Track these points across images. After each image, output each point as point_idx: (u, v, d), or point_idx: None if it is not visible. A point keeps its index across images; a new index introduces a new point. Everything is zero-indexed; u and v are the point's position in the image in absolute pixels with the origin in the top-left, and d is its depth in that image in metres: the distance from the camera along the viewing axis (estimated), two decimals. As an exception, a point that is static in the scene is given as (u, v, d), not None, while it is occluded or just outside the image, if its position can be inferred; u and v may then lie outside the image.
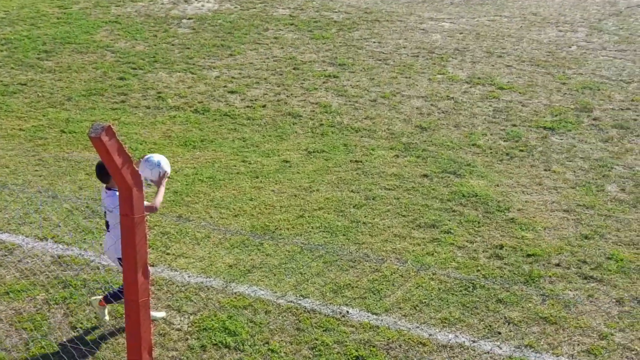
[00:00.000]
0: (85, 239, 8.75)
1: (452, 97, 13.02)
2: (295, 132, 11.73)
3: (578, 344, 7.07)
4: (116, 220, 6.88)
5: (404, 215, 9.36)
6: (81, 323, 7.36)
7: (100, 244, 8.38)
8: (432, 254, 8.53)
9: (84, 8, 17.45)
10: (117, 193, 6.71)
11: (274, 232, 9.00)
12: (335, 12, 17.67)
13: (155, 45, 15.21)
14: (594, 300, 7.67)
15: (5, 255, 8.40)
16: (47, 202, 9.48)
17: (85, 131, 11.44)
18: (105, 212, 7.10)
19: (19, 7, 17.40)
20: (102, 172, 6.91)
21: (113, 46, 15.12)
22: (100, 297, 7.37)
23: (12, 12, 17.06)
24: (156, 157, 7.16)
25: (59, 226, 8.93)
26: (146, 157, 7.21)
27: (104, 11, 17.26)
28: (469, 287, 7.92)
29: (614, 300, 7.67)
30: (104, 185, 7.09)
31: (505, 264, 8.30)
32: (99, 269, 8.20)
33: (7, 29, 15.90)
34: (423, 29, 16.56)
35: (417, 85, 13.55)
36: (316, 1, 18.51)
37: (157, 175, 7.08)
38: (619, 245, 8.72)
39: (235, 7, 17.82)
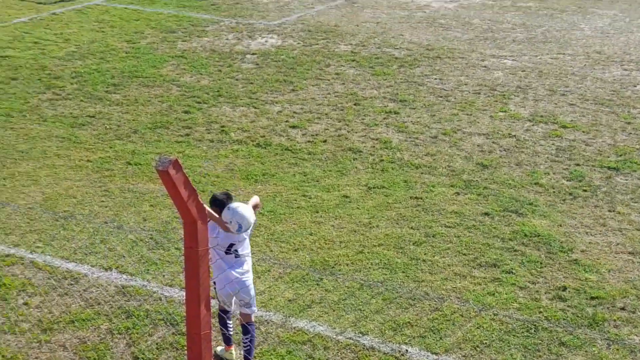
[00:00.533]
0: (148, 270, 8.91)
1: (514, 135, 12.94)
2: (356, 167, 11.79)
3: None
4: (245, 251, 7.13)
5: (464, 254, 9.31)
6: (143, 354, 7.48)
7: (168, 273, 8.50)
8: (493, 294, 8.45)
9: (152, 43, 17.91)
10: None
11: (333, 267, 9.04)
12: (397, 48, 17.78)
13: (219, 79, 15.51)
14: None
15: (72, 284, 8.60)
16: (113, 232, 9.70)
17: (151, 163, 11.69)
18: (230, 245, 7.08)
19: (89, 41, 17.95)
20: (224, 205, 6.91)
21: (179, 80, 15.46)
22: (222, 347, 7.47)
23: (82, 46, 17.61)
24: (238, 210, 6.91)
25: (124, 257, 9.12)
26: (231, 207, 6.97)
27: (170, 46, 17.69)
28: (530, 329, 7.81)
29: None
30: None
31: (568, 306, 8.17)
32: (161, 300, 8.33)
33: (77, 63, 16.40)
34: (485, 66, 16.53)
35: (478, 122, 13.52)
36: (378, 38, 18.65)
37: (236, 228, 6.88)
38: (687, 290, 8.52)
39: (298, 43, 18.07)
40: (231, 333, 7.39)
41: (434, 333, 7.76)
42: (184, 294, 8.00)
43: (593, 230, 9.84)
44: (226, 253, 7.07)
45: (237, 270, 7.13)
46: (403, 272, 8.94)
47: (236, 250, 7.09)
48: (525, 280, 8.68)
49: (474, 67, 16.51)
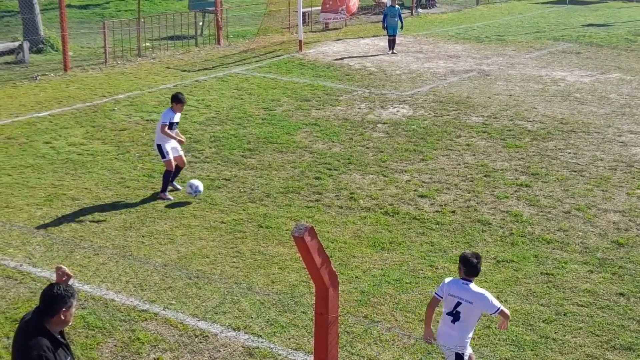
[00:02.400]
0: (275, 332, 9.07)
1: (654, 213, 12.48)
2: (485, 239, 11.66)
3: None
4: (471, 313, 7.42)
5: (597, 335, 8.97)
6: (267, 415, 7.57)
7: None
8: (629, 379, 8.09)
9: (287, 110, 18.51)
10: (473, 288, 7.43)
11: (459, 340, 8.90)
12: (530, 121, 17.59)
13: (350, 147, 15.80)
14: None
15: (201, 342, 8.86)
16: (242, 293, 9.95)
17: (281, 227, 11.98)
18: (457, 303, 7.42)
19: (228, 107, 18.75)
20: (473, 264, 7.46)
21: (311, 147, 15.86)
22: None
23: (222, 112, 18.41)
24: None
25: (252, 318, 9.33)
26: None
27: (304, 114, 18.21)
28: (668, 418, 7.41)
29: None
30: (463, 278, 7.53)
31: None
32: (286, 362, 8.45)
33: (216, 128, 17.14)
34: (622, 142, 16.09)
35: (614, 199, 13.12)
36: (510, 110, 18.54)
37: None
38: None
39: (429, 114, 18.21)
40: None
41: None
42: (310, 358, 8.10)
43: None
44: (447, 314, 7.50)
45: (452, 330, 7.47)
46: (532, 350, 8.70)
47: (458, 313, 7.41)
48: (662, 366, 8.28)
49: (610, 142, 16.10)
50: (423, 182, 13.97)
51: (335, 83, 21.35)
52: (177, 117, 13.34)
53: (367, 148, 15.82)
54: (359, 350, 8.70)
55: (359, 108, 18.75)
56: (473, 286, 7.46)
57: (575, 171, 14.40)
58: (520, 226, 12.11)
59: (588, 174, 14.27)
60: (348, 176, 14.26)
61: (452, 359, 7.49)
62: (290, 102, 19.29)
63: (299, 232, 6.02)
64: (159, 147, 13.29)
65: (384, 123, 17.49)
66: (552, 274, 10.54)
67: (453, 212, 12.67)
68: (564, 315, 9.44)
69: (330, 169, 14.59)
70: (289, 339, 8.93)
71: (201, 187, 12.92)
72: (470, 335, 7.54)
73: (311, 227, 6.06)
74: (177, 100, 13.25)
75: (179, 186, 13.55)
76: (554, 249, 11.35)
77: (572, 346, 8.76)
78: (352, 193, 13.45)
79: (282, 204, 12.92)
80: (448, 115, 18.13)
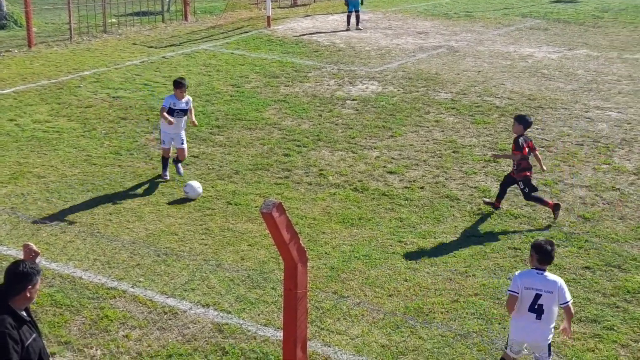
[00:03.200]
0: (245, 309, 9.06)
1: (618, 188, 12.62)
2: (453, 215, 11.72)
3: None
4: (552, 302, 7.06)
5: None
6: (237, 390, 7.57)
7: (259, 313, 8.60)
8: (593, 351, 8.21)
9: (255, 87, 18.39)
10: (549, 276, 7.08)
11: (427, 315, 8.97)
12: (498, 97, 17.67)
13: (319, 124, 15.76)
14: None
15: (171, 319, 8.83)
16: (212, 270, 9.92)
17: (250, 204, 11.94)
18: (536, 295, 7.04)
19: (196, 84, 18.58)
20: (551, 255, 7.10)
21: (280, 124, 15.80)
22: None
23: (189, 89, 18.23)
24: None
25: (222, 295, 9.31)
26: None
27: (273, 90, 18.12)
28: (632, 389, 7.53)
29: None
30: (536, 267, 7.14)
31: (673, 367, 7.86)
32: (256, 339, 8.45)
33: (183, 105, 16.99)
34: (588, 118, 16.23)
35: (580, 174, 13.25)
36: (478, 86, 18.60)
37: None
38: None
39: (398, 90, 18.21)
40: None
41: (530, 387, 7.58)
42: (279, 334, 8.10)
43: None
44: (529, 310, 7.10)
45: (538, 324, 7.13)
46: (499, 323, 8.79)
47: (541, 306, 7.04)
48: (627, 338, 8.40)
49: (577, 118, 16.23)
50: (392, 158, 13.99)
51: (304, 59, 21.25)
52: (181, 104, 12.65)
53: (336, 125, 15.79)
54: (328, 325, 8.73)
55: (328, 85, 18.69)
56: (549, 274, 7.12)
57: (542, 147, 14.50)
58: (488, 201, 12.18)
59: (555, 150, 14.38)
60: (317, 153, 14.23)
61: (544, 353, 7.20)
62: (259, 78, 19.17)
63: (267, 208, 6.00)
64: (160, 132, 12.98)
65: (353, 99, 17.46)
66: (520, 249, 10.63)
67: (422, 188, 12.71)
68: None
69: (299, 146, 14.54)
70: (259, 314, 8.93)
71: (200, 190, 12.19)
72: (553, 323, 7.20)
73: (279, 203, 6.04)
74: (175, 84, 12.68)
75: (168, 176, 12.91)
76: (521, 223, 11.44)
77: (539, 319, 8.85)
78: (321, 170, 13.43)
79: (250, 181, 12.87)
80: (417, 91, 18.14)
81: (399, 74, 19.76)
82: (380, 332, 8.59)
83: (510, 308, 7.17)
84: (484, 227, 11.29)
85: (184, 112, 12.74)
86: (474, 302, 9.22)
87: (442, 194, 12.47)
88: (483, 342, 8.37)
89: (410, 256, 10.42)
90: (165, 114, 12.51)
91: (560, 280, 7.11)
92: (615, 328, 8.61)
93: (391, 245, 10.74)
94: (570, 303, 7.11)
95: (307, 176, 13.14)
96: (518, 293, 7.06)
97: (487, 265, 10.17)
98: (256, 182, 12.86)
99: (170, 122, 12.51)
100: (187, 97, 12.81)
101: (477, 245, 10.74)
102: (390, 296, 9.40)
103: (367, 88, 18.40)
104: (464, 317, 8.94)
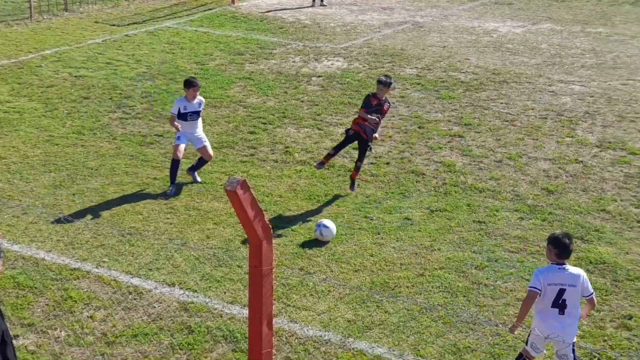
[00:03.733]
0: (210, 287, 9.03)
1: (581, 161, 12.74)
2: (419, 190, 11.76)
3: None
4: (576, 296, 6.84)
5: (527, 280, 9.16)
6: (203, 369, 7.56)
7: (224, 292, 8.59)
8: (556, 321, 8.30)
9: (220, 65, 18.24)
10: (570, 269, 6.88)
11: (393, 289, 9.02)
12: (463, 72, 17.71)
13: (285, 101, 15.68)
14: None
15: (136, 299, 8.77)
16: (177, 249, 9.87)
17: (215, 182, 11.87)
18: (560, 291, 6.86)
19: (159, 62, 18.37)
20: (568, 249, 6.90)
21: (245, 101, 15.69)
22: None
23: (153, 67, 18.03)
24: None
25: (187, 273, 9.27)
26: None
27: (238, 68, 17.98)
28: (594, 357, 7.64)
29: None
30: (556, 262, 6.97)
31: (634, 335, 7.98)
32: (222, 317, 8.43)
33: (147, 83, 16.80)
34: (552, 91, 16.34)
35: (544, 147, 13.35)
36: (443, 62, 18.62)
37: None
38: None
39: (364, 67, 18.17)
40: None
41: (494, 359, 7.66)
42: (245, 312, 8.09)
43: None
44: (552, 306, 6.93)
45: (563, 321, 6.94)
46: (464, 296, 8.86)
47: (564, 301, 6.87)
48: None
49: (541, 92, 16.33)
50: (358, 134, 13.97)
51: (269, 36, 21.10)
52: (193, 106, 11.62)
53: (302, 102, 15.73)
54: (295, 301, 8.73)
55: (293, 61, 18.60)
56: (570, 268, 6.94)
57: (507, 121, 14.59)
58: (453, 176, 12.25)
59: (519, 123, 14.48)
60: (283, 130, 14.17)
61: (569, 350, 6.92)
62: (224, 56, 19.01)
63: (232, 185, 5.96)
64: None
65: (319, 76, 17.39)
66: (484, 222, 10.71)
67: (387, 163, 12.73)
68: (495, 261, 9.62)
69: (264, 123, 14.47)
70: (224, 292, 8.90)
71: (333, 230, 10.21)
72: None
73: (244, 181, 6.00)
74: (187, 84, 11.63)
75: (199, 178, 11.95)
76: (486, 197, 11.52)
77: (503, 291, 8.95)
78: (287, 147, 13.39)
79: (216, 159, 12.79)
80: (382, 67, 18.12)
81: (364, 50, 19.71)
82: (346, 307, 8.62)
83: (525, 306, 6.99)
84: (449, 202, 11.34)
85: (198, 114, 11.76)
86: (439, 276, 9.29)
87: (408, 169, 12.50)
88: (448, 314, 8.43)
89: (376, 231, 10.44)
90: (175, 123, 11.51)
91: (583, 273, 6.98)
92: (578, 298, 8.71)
93: (357, 221, 10.75)
94: (594, 295, 7.00)
95: (273, 154, 13.09)
96: (540, 290, 6.88)
97: (452, 239, 10.23)
98: (221, 160, 12.79)
99: (178, 129, 11.53)
100: (200, 98, 11.82)
101: (442, 220, 10.80)
102: (357, 271, 9.43)
103: (332, 64, 18.34)
104: (430, 290, 9.00)
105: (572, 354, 6.86)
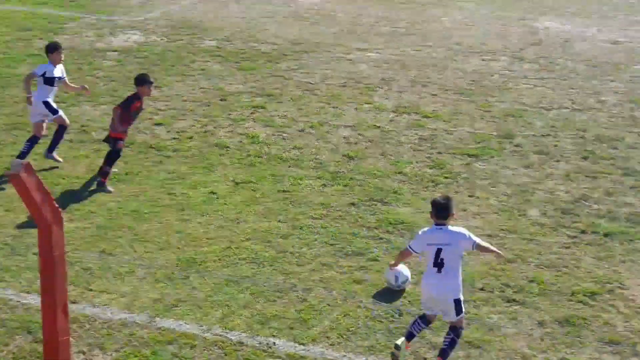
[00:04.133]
0: (4, 277, 8.50)
1: (379, 126, 13.17)
2: (223, 163, 11.67)
3: (503, 368, 7.17)
4: (453, 255, 6.97)
5: (331, 244, 9.38)
6: (-1, 365, 7.13)
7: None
8: (360, 282, 8.56)
9: (6, 42, 17.13)
10: (450, 228, 7.06)
11: (200, 264, 8.91)
12: (263, 43, 17.74)
13: (79, 78, 14.98)
14: (517, 323, 7.79)
15: None
16: (-35, 240, 9.21)
17: (6, 165, 11.17)
18: (438, 250, 6.97)
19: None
20: (444, 210, 7.06)
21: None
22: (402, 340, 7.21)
23: None
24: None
25: (-23, 265, 8.67)
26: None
27: (26, 45, 16.98)
28: (395, 314, 7.95)
29: (536, 323, 7.81)
30: (436, 223, 7.10)
31: (431, 290, 8.36)
32: (17, 307, 7.97)
33: None
34: (350, 60, 16.74)
35: (344, 114, 13.67)
36: (243, 33, 18.56)
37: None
38: (541, 268, 8.91)
39: (162, 39, 17.74)
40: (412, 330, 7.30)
41: (301, 324, 7.78)
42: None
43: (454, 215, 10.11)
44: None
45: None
46: (271, 265, 8.92)
47: (442, 260, 6.98)
48: (390, 267, 8.83)
49: (339, 60, 16.69)
50: (159, 110, 13.64)
51: (59, 10, 20.06)
52: (58, 71, 11.37)
53: (98, 78, 15.12)
54: (97, 285, 8.41)
55: (87, 36, 17.81)
56: (451, 227, 7.09)
57: (307, 90, 14.79)
58: (257, 147, 12.26)
59: (320, 92, 14.72)
60: (78, 108, 13.57)
61: (451, 307, 7.03)
62: (9, 32, 17.85)
63: (15, 169, 5.65)
64: (46, 103, 11.30)
65: (115, 51, 16.78)
66: (289, 191, 10.82)
67: (190, 138, 12.54)
68: (300, 229, 9.75)
69: (58, 102, 13.73)
70: (19, 282, 8.42)
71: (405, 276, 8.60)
72: (461, 279, 7.12)
73: (27, 164, 5.69)
74: (49, 49, 11.31)
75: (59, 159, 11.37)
76: (289, 166, 11.63)
77: (309, 257, 9.09)
78: (83, 125, 12.84)
79: (6, 142, 12.04)
80: (181, 40, 17.77)
81: (162, 22, 19.23)
82: (151, 286, 8.41)
83: (398, 256, 7.51)
84: (253, 173, 11.35)
85: (61, 79, 11.49)
86: (246, 248, 9.28)
87: (211, 142, 12.37)
88: (256, 285, 8.45)
89: (181, 208, 10.27)
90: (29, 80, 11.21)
91: (463, 231, 7.13)
92: (379, 259, 9.02)
93: (160, 199, 10.52)
94: (478, 241, 7.11)
95: (68, 133, 12.48)
96: (415, 251, 7.24)
97: (257, 210, 10.25)
98: (12, 142, 12.06)
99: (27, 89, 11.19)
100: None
101: (248, 192, 10.79)
102: (162, 250, 9.23)
103: (129, 38, 17.75)
104: (237, 262, 8.98)
105: (454, 311, 7.03)
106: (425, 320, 7.26)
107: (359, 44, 17.88)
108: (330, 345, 7.45)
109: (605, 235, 9.63)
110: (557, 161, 11.88)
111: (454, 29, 19.47)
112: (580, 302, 8.20)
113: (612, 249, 9.31)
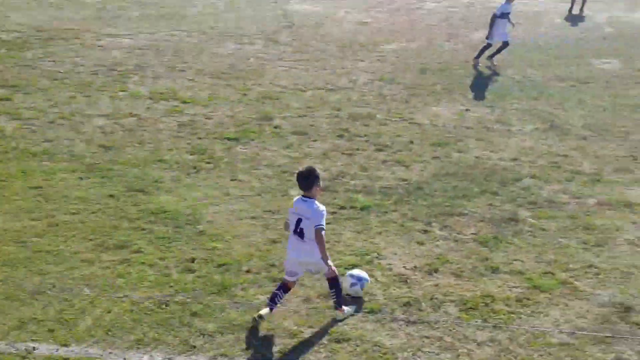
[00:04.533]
0: None
1: (136, 114, 12.80)
2: (-35, 161, 10.79)
3: (274, 345, 7.23)
4: (312, 229, 7.20)
5: (91, 239, 8.98)
6: None
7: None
8: (123, 276, 8.26)
9: None
10: (315, 201, 7.30)
11: (-56, 273, 8.16)
12: (5, 31, 16.59)
13: None
14: (284, 301, 7.90)
15: None
16: None
17: None
18: (298, 220, 7.24)
19: None
20: (304, 181, 7.27)
21: None
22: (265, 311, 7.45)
23: None
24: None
25: None
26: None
27: None
28: (162, 304, 7.77)
29: (301, 299, 7.97)
30: (303, 194, 7.34)
31: (197, 276, 8.27)
32: None
33: None
34: (101, 46, 16.12)
35: (98, 103, 13.14)
36: (-18, 20, 17.26)
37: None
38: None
39: None
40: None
41: (63, 325, 7.36)
42: None
43: (217, 201, 10.09)
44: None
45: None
46: (25, 267, 8.35)
47: (302, 230, 7.25)
48: (154, 257, 8.61)
49: (89, 47, 16.01)
50: None
51: None
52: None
53: None
54: None
55: None
56: (313, 202, 7.26)
57: (56, 79, 14.05)
58: (4, 142, 11.48)
59: (69, 81, 14.04)
60: None
61: (320, 263, 7.30)
62: None
63: None
64: None
65: None
66: (42, 187, 10.22)
67: None
68: (56, 226, 9.23)
69: None
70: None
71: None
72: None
73: None
74: None
75: None
76: (41, 161, 10.99)
77: (67, 255, 8.63)
78: None
79: None
80: None
81: None
82: None
83: (285, 227, 7.68)
84: (2, 170, 10.58)
85: None
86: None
87: (-49, 139, 11.38)
88: (10, 288, 7.88)
89: None
90: None
91: (320, 208, 7.30)
92: (142, 250, 8.76)
93: None
94: (319, 227, 7.21)
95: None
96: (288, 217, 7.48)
97: (8, 210, 9.60)
98: None
99: None
100: None
101: (-5, 190, 10.05)
102: None
103: None
104: (-13, 267, 8.32)
105: (325, 266, 7.36)
106: (286, 288, 7.61)
107: (109, 30, 17.28)
108: (95, 343, 7.12)
109: (362, 209, 10.04)
110: (315, 140, 12.22)
111: (207, 13, 19.41)
112: (342, 275, 8.49)
113: (369, 222, 9.73)
